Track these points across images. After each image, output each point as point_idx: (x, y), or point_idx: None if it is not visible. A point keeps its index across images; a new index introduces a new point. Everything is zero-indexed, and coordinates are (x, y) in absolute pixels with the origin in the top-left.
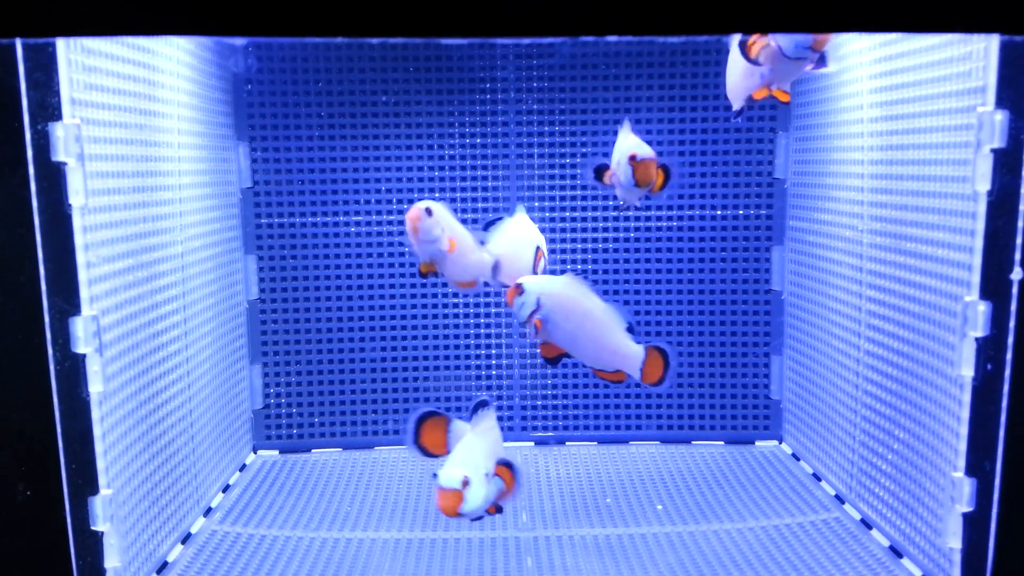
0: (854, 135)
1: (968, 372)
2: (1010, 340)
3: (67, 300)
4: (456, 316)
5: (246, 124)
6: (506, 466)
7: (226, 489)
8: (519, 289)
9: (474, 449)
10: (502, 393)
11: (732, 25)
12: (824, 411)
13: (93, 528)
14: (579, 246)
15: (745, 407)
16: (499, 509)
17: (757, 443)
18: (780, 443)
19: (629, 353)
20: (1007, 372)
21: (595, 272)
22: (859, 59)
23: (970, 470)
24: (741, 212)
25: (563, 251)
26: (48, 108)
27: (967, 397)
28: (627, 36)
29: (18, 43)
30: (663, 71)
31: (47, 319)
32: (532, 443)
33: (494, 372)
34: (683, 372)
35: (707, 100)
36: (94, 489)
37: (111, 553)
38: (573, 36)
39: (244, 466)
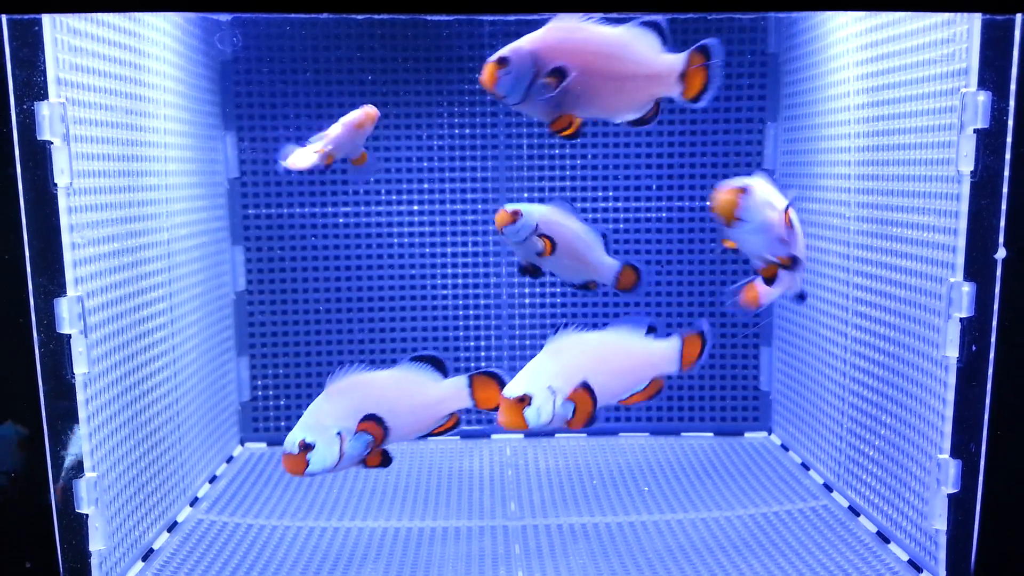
0: (841, 123)
1: (953, 353)
2: (994, 321)
3: (52, 280)
4: (445, 308)
5: (233, 114)
6: (374, 420)
7: (213, 480)
8: (516, 215)
9: (322, 409)
10: None
11: (716, 3)
12: (813, 400)
13: (78, 510)
14: None
15: (735, 398)
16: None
17: (746, 434)
18: (769, 434)
19: (606, 264)
20: (991, 353)
21: None
22: (846, 46)
23: (955, 451)
24: None
25: None
26: (34, 87)
27: (952, 379)
28: (612, 13)
29: (3, 19)
30: None
31: (31, 299)
32: (521, 435)
33: (483, 364)
34: None
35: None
36: (79, 472)
37: (96, 536)
38: (558, 12)
39: (231, 458)
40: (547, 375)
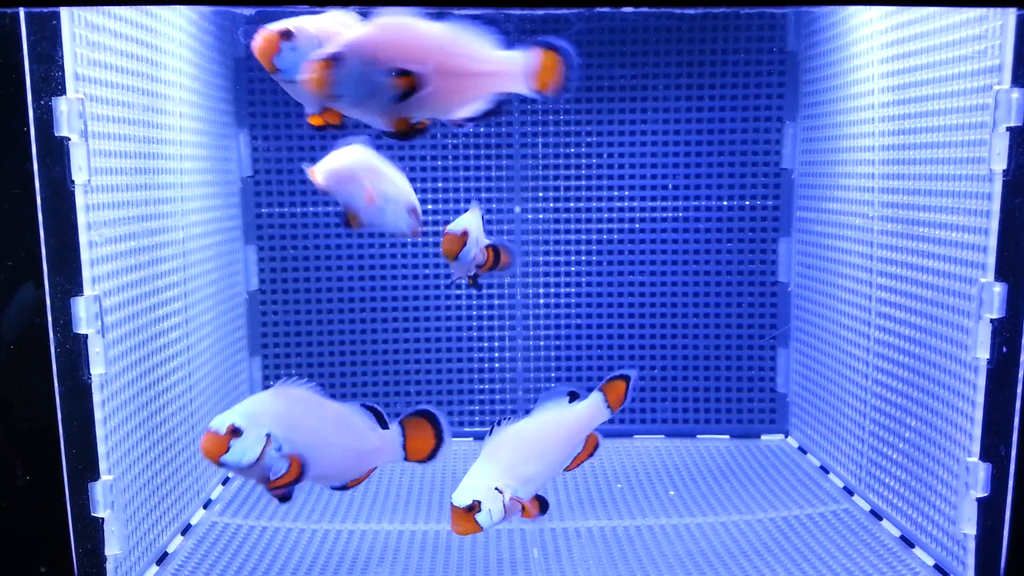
0: (864, 121)
1: (983, 355)
2: None
3: (69, 279)
4: (459, 308)
5: (247, 112)
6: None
7: (226, 482)
8: (465, 235)
9: (263, 404)
10: (505, 386)
11: None
12: (832, 403)
13: (93, 514)
14: (583, 236)
15: (751, 400)
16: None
17: (763, 437)
18: (786, 437)
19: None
20: (1022, 355)
21: (599, 264)
22: (869, 44)
23: (985, 455)
24: (747, 203)
25: (567, 241)
26: (51, 82)
27: (982, 381)
28: (643, 8)
29: (21, 13)
30: (671, 47)
31: (48, 298)
32: None
33: (497, 364)
34: (688, 365)
35: (713, 89)
36: (95, 474)
37: (112, 540)
38: (588, 7)
39: None
40: (490, 477)
